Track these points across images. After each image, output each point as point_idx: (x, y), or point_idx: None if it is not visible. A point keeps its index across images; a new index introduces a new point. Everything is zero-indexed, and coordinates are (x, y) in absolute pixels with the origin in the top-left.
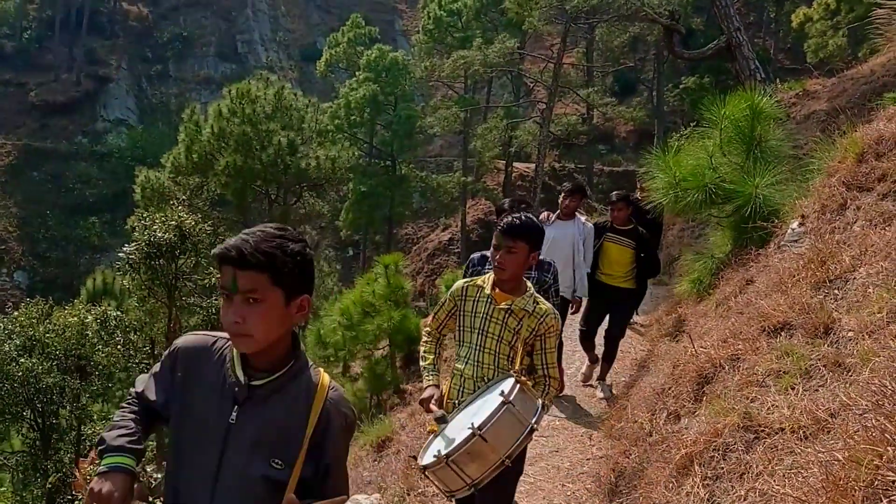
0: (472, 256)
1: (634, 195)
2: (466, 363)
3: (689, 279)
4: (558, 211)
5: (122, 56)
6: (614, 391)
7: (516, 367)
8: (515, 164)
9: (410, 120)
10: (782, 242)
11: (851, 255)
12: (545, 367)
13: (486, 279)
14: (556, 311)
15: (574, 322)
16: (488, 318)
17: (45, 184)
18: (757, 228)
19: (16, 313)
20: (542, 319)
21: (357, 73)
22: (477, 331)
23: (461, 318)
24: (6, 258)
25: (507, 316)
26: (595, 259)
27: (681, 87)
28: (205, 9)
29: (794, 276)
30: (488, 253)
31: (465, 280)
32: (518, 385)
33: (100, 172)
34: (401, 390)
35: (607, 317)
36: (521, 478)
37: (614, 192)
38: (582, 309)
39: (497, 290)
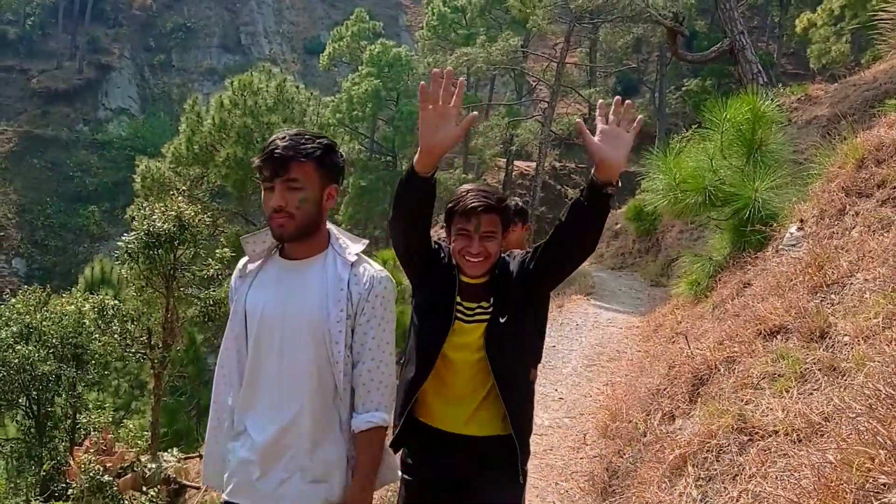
0: None
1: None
2: None
3: (686, 281)
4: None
5: (125, 45)
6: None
7: None
8: (516, 162)
9: (412, 116)
10: (780, 246)
11: (849, 260)
12: None
13: None
14: None
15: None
16: None
17: (45, 171)
18: (755, 232)
19: (13, 300)
20: None
21: (360, 68)
22: None
23: None
24: (5, 245)
25: None
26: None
27: (683, 89)
28: None
29: (791, 281)
30: None
31: None
32: None
33: (100, 161)
34: None
35: None
36: None
37: (466, 199)
38: None
39: None
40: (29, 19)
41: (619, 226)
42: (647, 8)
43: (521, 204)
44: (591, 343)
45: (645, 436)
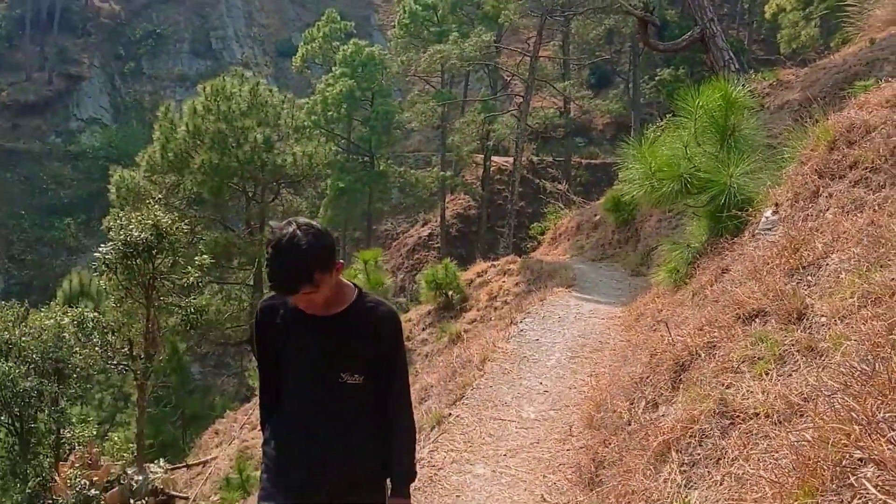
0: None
1: None
2: None
3: (666, 269)
4: None
5: (95, 54)
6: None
7: None
8: (494, 158)
9: (388, 115)
10: (756, 231)
11: (824, 241)
12: None
13: None
14: None
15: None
16: None
17: (19, 185)
18: (732, 217)
19: None
20: None
21: (333, 69)
22: None
23: None
24: None
25: None
26: None
27: (656, 78)
28: (178, 4)
29: (767, 264)
30: None
31: None
32: None
33: (74, 172)
34: None
35: None
36: (502, 470)
37: None
38: None
39: None
40: None
41: (597, 217)
42: None
43: (313, 235)
44: (574, 335)
45: (629, 424)
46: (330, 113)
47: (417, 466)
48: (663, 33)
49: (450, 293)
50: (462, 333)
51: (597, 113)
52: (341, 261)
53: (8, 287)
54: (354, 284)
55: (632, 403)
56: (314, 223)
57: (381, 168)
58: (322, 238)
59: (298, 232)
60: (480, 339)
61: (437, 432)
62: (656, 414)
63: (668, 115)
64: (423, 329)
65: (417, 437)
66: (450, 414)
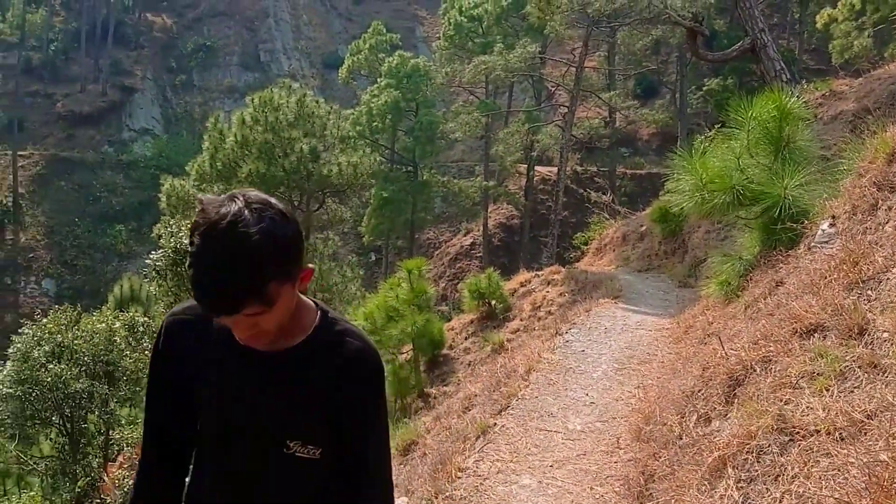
0: None
1: None
2: None
3: (716, 281)
4: None
5: (147, 66)
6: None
7: None
8: (537, 168)
9: (432, 125)
10: (812, 243)
11: (884, 255)
12: None
13: None
14: None
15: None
16: None
17: (73, 193)
18: (786, 230)
19: (44, 320)
20: None
21: (378, 80)
22: None
23: None
24: (34, 266)
25: None
26: None
27: (704, 89)
28: (228, 19)
29: (825, 278)
30: None
31: None
32: None
33: (126, 181)
34: (425, 394)
35: None
36: (549, 481)
37: None
38: None
39: None
40: (52, 44)
41: (644, 228)
42: (665, 9)
43: (271, 219)
44: (620, 346)
45: (681, 438)
46: (375, 123)
47: (462, 477)
48: (712, 43)
49: (493, 302)
50: (505, 343)
51: (642, 123)
52: (311, 265)
53: (61, 291)
54: (316, 303)
55: (683, 417)
56: (273, 200)
57: (425, 178)
58: (284, 225)
59: (247, 213)
60: (525, 350)
61: (483, 442)
62: (709, 428)
63: (715, 126)
64: (466, 338)
65: (462, 446)
66: (495, 424)
